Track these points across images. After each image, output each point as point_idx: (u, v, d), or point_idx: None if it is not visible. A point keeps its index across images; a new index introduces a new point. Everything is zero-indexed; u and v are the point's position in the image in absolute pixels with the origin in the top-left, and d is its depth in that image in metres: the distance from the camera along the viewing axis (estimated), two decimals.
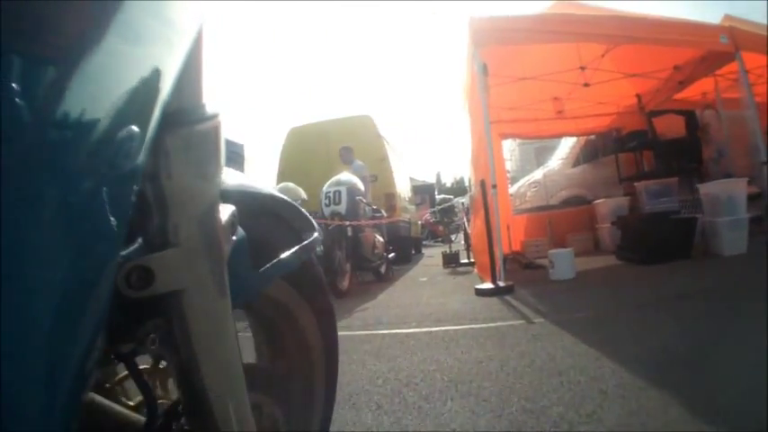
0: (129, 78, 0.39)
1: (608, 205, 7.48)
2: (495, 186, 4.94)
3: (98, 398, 0.58)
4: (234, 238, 0.59)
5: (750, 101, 6.07)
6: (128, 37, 0.38)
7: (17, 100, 0.30)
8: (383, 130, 9.67)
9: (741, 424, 1.41)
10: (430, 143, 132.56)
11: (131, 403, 0.66)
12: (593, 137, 9.66)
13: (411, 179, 13.89)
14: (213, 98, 0.53)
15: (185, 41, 0.47)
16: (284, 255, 0.81)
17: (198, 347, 0.52)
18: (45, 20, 0.32)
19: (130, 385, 0.63)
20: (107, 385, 0.64)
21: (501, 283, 4.57)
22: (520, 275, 5.57)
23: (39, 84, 0.31)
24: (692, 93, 8.13)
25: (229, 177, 0.74)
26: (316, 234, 0.92)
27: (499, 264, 4.74)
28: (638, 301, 3.58)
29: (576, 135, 9.70)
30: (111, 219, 0.37)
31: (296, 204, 0.93)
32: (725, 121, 7.28)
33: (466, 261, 7.82)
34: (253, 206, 0.77)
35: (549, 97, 8.12)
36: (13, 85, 0.30)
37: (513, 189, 9.93)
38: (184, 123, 0.49)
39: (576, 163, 9.90)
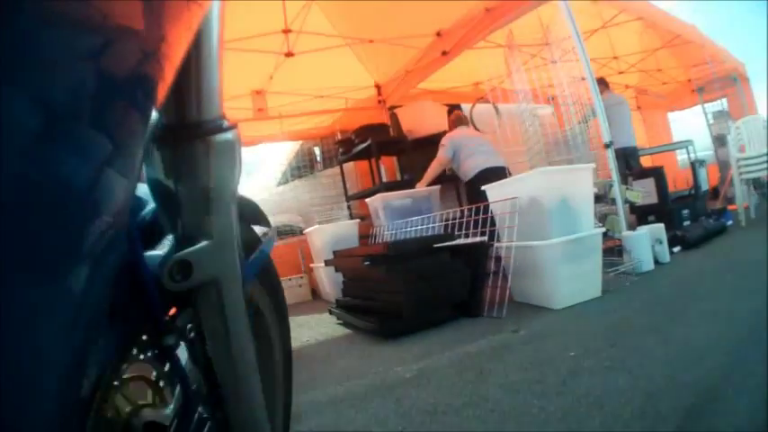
0: (131, 82, 0.39)
1: (323, 234, 4.86)
2: None
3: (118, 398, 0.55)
4: None
5: (584, 57, 4.16)
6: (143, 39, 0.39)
7: (17, 100, 0.29)
8: None
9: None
10: None
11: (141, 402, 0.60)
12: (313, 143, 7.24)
13: None
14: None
15: (205, 51, 0.53)
16: (259, 247, 0.84)
17: (228, 335, 0.59)
18: (46, 20, 0.31)
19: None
20: (115, 383, 0.56)
21: None
22: None
23: (39, 83, 0.31)
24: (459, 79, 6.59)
25: None
26: (272, 228, 0.97)
27: None
28: None
29: (285, 141, 7.03)
30: (112, 219, 0.38)
31: (252, 200, 0.97)
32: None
33: None
34: None
35: (248, 91, 5.79)
36: (13, 84, 0.29)
37: None
38: (211, 133, 0.54)
39: (284, 180, 7.29)
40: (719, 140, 8.65)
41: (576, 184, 2.97)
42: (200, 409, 0.62)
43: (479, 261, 2.96)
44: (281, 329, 1.04)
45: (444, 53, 5.48)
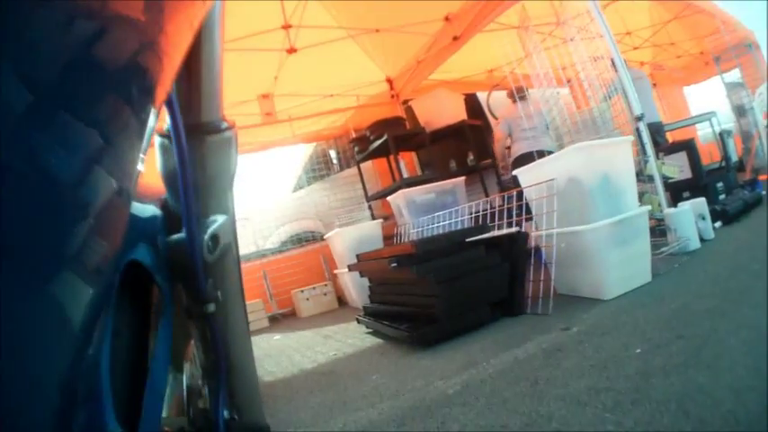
0: (133, 83, 0.41)
1: (344, 238, 4.62)
2: None
3: None
4: None
5: (609, 37, 4.04)
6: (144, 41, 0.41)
7: (18, 99, 0.30)
8: None
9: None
10: None
11: None
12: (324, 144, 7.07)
13: None
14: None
15: (207, 54, 0.58)
16: None
17: (232, 299, 0.68)
18: (48, 21, 0.32)
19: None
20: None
21: None
22: None
23: (39, 83, 0.31)
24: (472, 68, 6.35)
25: None
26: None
27: None
28: None
29: (296, 144, 6.82)
30: (111, 217, 0.40)
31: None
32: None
33: None
34: None
35: (255, 96, 5.57)
36: (14, 84, 0.29)
37: None
38: (214, 132, 0.63)
39: (299, 185, 7.10)
40: (740, 111, 8.42)
41: (616, 159, 2.69)
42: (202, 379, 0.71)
43: (517, 253, 2.69)
44: None
45: (455, 38, 5.22)
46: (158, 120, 0.46)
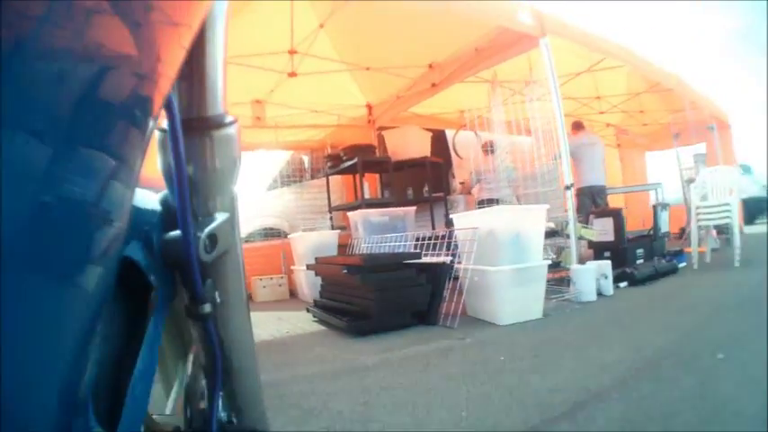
0: (135, 81, 0.40)
1: (305, 241, 5.47)
2: None
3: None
4: None
5: (556, 100, 4.88)
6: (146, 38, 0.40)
7: (18, 99, 0.29)
8: None
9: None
10: None
11: None
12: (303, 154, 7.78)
13: None
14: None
15: (212, 46, 0.57)
16: None
17: (236, 300, 0.67)
18: (48, 20, 0.31)
19: None
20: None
21: None
22: None
23: (40, 83, 0.31)
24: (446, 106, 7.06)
25: None
26: None
27: None
28: None
29: (278, 149, 7.58)
30: (112, 215, 0.39)
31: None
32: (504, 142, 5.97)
33: None
34: None
35: (249, 99, 6.24)
36: (14, 84, 0.29)
37: None
38: (217, 127, 0.60)
39: (274, 186, 7.79)
40: (690, 184, 9.15)
41: (530, 221, 3.61)
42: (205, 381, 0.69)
43: (440, 278, 3.58)
44: None
45: (434, 85, 6.11)
46: (159, 115, 0.46)
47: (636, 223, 9.04)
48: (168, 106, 0.53)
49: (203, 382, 0.71)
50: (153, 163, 0.59)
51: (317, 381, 2.42)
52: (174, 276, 0.60)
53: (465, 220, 3.82)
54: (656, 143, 11.33)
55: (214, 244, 0.60)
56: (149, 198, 0.59)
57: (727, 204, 5.74)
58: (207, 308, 0.61)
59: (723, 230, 7.27)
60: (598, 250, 5.78)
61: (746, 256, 5.76)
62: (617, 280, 4.81)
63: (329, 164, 6.57)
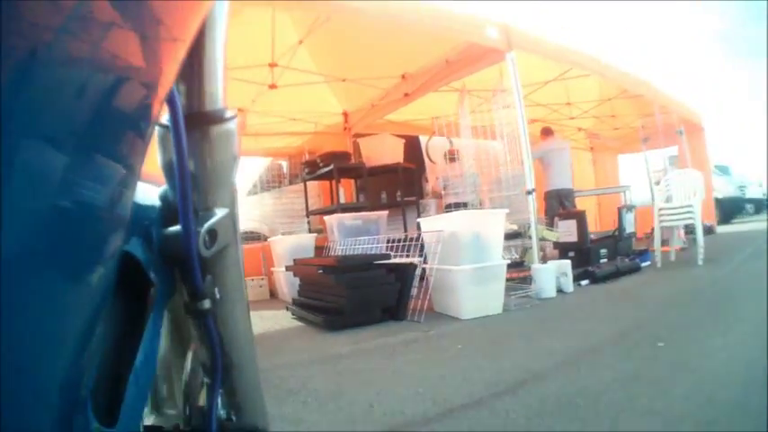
0: (135, 79, 0.40)
1: (284, 244, 5.80)
2: None
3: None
4: None
5: (520, 112, 5.17)
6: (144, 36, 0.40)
7: (18, 100, 0.30)
8: None
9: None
10: None
11: None
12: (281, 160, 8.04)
13: None
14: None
15: (211, 42, 0.58)
16: None
17: (236, 295, 0.67)
18: (48, 20, 0.31)
19: None
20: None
21: None
22: None
23: (40, 83, 0.31)
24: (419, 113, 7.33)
25: None
26: None
27: None
28: None
29: (258, 156, 7.94)
30: (113, 211, 0.40)
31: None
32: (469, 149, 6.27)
33: None
34: None
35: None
36: (15, 85, 0.30)
37: None
38: (218, 122, 0.60)
39: (254, 191, 8.07)
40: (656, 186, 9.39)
41: (490, 224, 3.97)
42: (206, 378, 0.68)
43: (408, 277, 3.92)
44: None
45: (406, 94, 6.46)
46: (160, 111, 0.47)
47: (607, 224, 9.37)
48: (171, 102, 0.53)
49: (203, 379, 0.70)
50: (153, 158, 0.58)
51: (296, 367, 2.73)
52: (173, 272, 0.60)
53: (430, 224, 4.16)
54: (627, 146, 11.66)
55: (214, 239, 0.60)
56: (149, 193, 0.59)
57: (690, 206, 5.97)
58: (206, 304, 0.61)
59: (691, 230, 7.54)
60: (563, 250, 6.07)
61: (713, 254, 6.07)
62: (579, 278, 5.13)
63: (306, 170, 6.87)
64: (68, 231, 0.35)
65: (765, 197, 18.77)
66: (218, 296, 0.63)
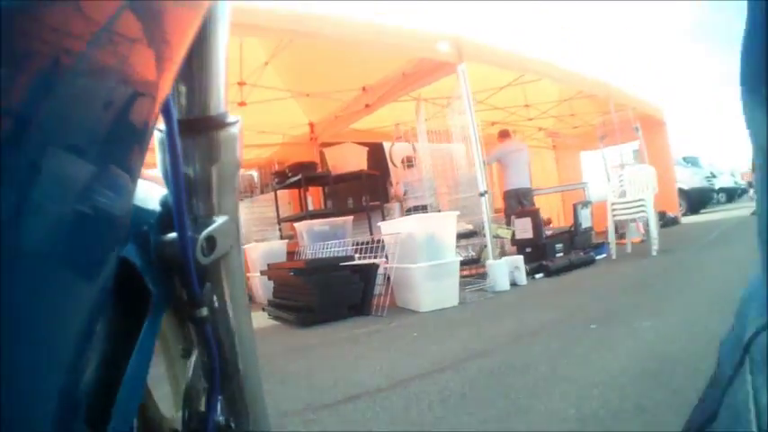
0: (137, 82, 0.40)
1: (258, 250, 6.25)
2: None
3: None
4: None
5: (471, 120, 5.58)
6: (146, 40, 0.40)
7: (18, 100, 0.30)
8: None
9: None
10: None
11: None
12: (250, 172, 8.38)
13: None
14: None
15: (212, 47, 0.58)
16: None
17: (236, 304, 0.66)
18: (48, 20, 0.31)
19: None
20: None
21: None
22: None
23: (40, 83, 0.31)
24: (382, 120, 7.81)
25: None
26: None
27: None
28: None
29: None
30: (111, 216, 0.40)
31: None
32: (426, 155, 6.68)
33: None
34: None
35: None
36: (15, 85, 0.30)
37: None
38: (220, 127, 0.61)
39: None
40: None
41: (442, 226, 4.43)
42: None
43: (371, 277, 4.36)
44: None
45: (367, 106, 6.91)
46: (158, 116, 0.47)
47: (570, 220, 9.82)
48: (166, 107, 0.53)
49: (202, 385, 0.69)
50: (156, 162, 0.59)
51: (274, 356, 3.14)
52: (171, 278, 0.59)
53: (389, 227, 4.62)
54: (588, 143, 12.00)
55: (212, 247, 0.59)
56: (149, 199, 0.59)
57: (641, 200, 6.32)
58: (204, 312, 0.61)
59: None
60: (520, 246, 6.50)
61: (671, 245, 6.47)
62: (534, 272, 5.61)
63: (276, 180, 7.26)
64: (65, 236, 0.35)
65: (736, 185, 19.53)
66: (216, 304, 0.64)
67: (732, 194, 18.97)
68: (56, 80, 0.32)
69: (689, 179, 16.87)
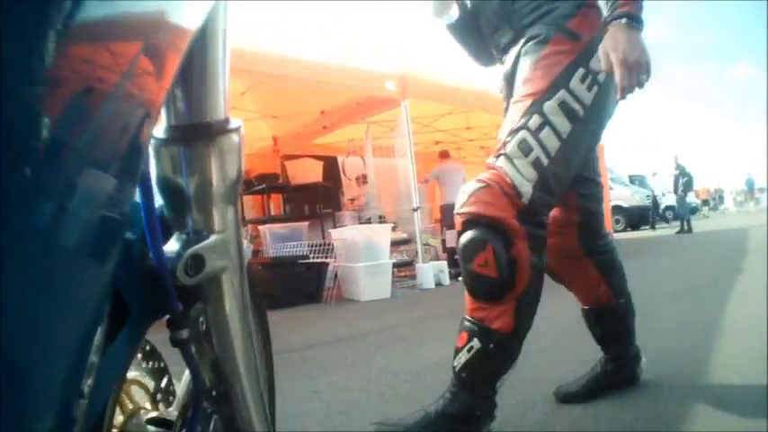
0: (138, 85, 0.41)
1: None
2: None
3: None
4: None
5: (409, 149, 6.71)
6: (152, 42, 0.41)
7: (18, 100, 0.30)
8: None
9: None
10: None
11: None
12: None
13: None
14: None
15: (212, 51, 0.56)
16: None
17: (233, 326, 0.63)
18: (49, 21, 0.31)
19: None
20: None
21: None
22: None
23: (40, 83, 0.31)
24: (337, 137, 8.75)
25: None
26: None
27: None
28: None
29: None
30: (112, 218, 0.40)
31: None
32: (372, 168, 7.79)
33: None
34: None
35: None
36: (15, 85, 0.29)
37: None
38: (219, 133, 0.58)
39: None
40: None
41: (377, 235, 5.65)
42: (205, 403, 0.67)
43: (322, 272, 5.53)
44: (260, 321, 1.03)
45: (325, 127, 8.03)
46: (156, 123, 0.46)
47: None
48: (156, 112, 0.47)
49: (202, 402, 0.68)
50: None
51: None
52: (157, 294, 0.55)
53: (337, 234, 5.83)
54: None
55: (200, 266, 0.56)
56: (140, 210, 0.54)
57: None
58: (184, 333, 0.58)
59: None
60: (450, 254, 7.41)
61: None
62: (458, 275, 6.40)
63: (242, 186, 8.25)
64: (61, 240, 0.34)
65: (676, 205, 20.72)
66: (203, 327, 0.61)
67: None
68: (45, 81, 0.31)
69: (629, 197, 18.13)
